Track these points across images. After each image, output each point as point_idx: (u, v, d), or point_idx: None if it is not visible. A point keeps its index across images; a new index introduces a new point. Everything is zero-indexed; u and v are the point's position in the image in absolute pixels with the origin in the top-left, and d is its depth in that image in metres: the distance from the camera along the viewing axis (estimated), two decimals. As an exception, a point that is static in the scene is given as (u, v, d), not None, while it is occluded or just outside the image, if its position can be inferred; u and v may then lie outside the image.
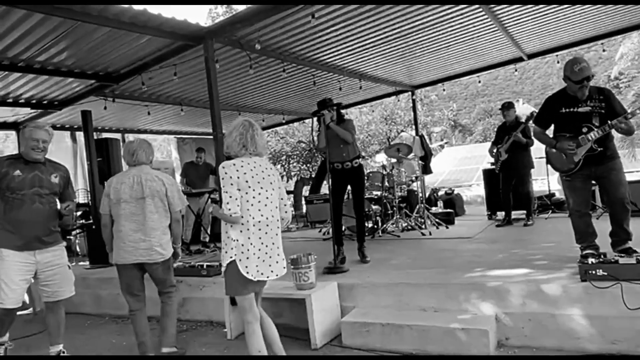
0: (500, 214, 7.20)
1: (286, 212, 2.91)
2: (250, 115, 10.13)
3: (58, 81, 6.28)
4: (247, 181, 2.66)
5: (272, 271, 2.72)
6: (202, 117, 9.30)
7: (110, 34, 4.91)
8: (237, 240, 2.62)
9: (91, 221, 6.68)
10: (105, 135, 9.15)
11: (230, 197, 2.61)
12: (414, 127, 10.57)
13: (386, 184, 7.21)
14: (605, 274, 3.10)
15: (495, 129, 7.21)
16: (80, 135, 9.07)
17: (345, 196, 7.37)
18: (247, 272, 2.60)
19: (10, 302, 3.23)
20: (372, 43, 6.50)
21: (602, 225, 3.91)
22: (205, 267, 4.85)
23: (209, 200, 7.81)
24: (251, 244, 2.63)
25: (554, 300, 3.18)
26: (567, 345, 3.09)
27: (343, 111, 5.20)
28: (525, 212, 6.74)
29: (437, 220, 7.22)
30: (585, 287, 3.11)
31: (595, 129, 3.57)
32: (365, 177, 7.32)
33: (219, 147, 5.05)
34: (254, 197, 2.67)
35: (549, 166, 8.08)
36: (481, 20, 6.11)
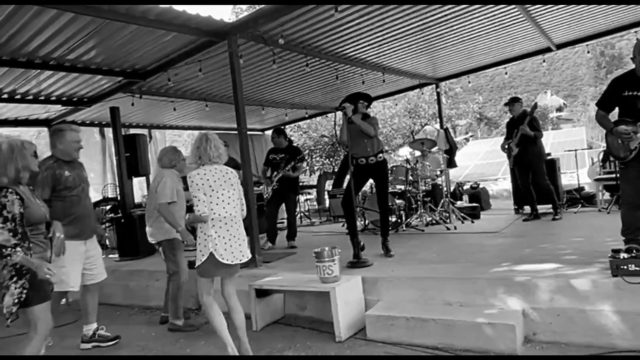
0: (528, 208, 7.06)
1: (243, 210, 3.41)
2: (274, 110, 10.20)
3: (87, 79, 6.43)
4: (210, 186, 3.20)
5: (243, 255, 3.27)
6: (227, 112, 9.39)
7: (137, 32, 5.00)
8: (211, 236, 3.15)
9: (120, 215, 6.85)
10: (132, 131, 9.33)
11: (199, 200, 3.16)
12: (438, 120, 10.44)
13: (410, 178, 7.16)
14: (638, 269, 3.02)
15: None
16: (108, 131, 9.28)
17: (370, 190, 7.40)
18: (223, 258, 3.15)
19: (77, 285, 3.80)
20: (395, 35, 6.43)
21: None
22: (230, 260, 4.92)
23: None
24: (219, 235, 3.17)
25: (584, 295, 3.11)
26: (597, 342, 3.02)
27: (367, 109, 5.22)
28: (551, 206, 6.58)
29: (462, 214, 7.14)
30: (617, 282, 3.04)
31: None
32: (389, 171, 7.30)
33: (243, 142, 5.10)
34: (217, 198, 3.21)
35: (578, 159, 7.97)
36: (508, 10, 5.97)
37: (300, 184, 10.99)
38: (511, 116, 6.83)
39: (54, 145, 3.81)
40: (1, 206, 2.61)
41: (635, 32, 7.37)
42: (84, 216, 3.80)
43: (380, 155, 4.93)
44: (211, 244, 3.13)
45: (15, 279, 2.63)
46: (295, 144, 7.04)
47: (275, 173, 6.49)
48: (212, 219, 3.17)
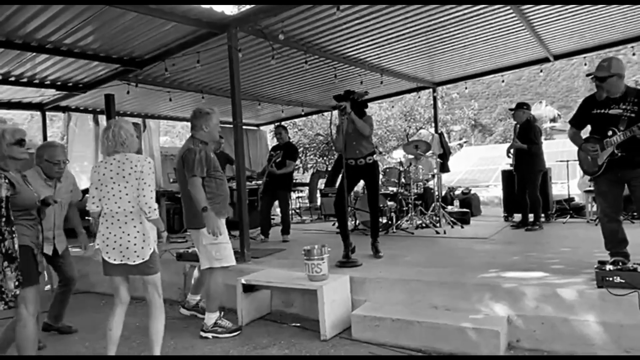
0: (518, 216, 7.09)
1: (146, 203, 2.97)
2: (270, 106, 10.18)
3: (83, 64, 6.37)
4: (99, 179, 3.04)
5: (132, 256, 2.96)
6: (222, 105, 9.32)
7: (136, 20, 4.96)
8: (100, 231, 3.03)
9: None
10: (126, 119, 9.25)
11: (89, 194, 3.09)
12: (433, 124, 10.48)
13: (402, 180, 7.17)
14: (623, 281, 3.05)
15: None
16: (102, 119, 9.19)
17: (361, 191, 7.41)
18: (110, 257, 2.98)
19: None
20: (395, 38, 6.44)
21: (633, 232, 3.81)
22: (219, 253, 4.90)
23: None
24: (110, 232, 2.99)
25: (569, 305, 3.14)
26: (579, 351, 3.06)
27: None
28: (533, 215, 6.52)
29: (452, 219, 7.17)
30: (602, 293, 3.07)
31: (618, 133, 3.50)
32: (382, 173, 7.31)
33: (238, 136, 5.09)
34: (108, 192, 3.02)
35: (569, 170, 8.03)
36: (508, 18, 6.00)
37: (293, 181, 11.01)
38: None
39: (199, 127, 3.80)
40: None
41: (632, 47, 7.45)
42: (226, 197, 3.90)
43: (370, 157, 4.94)
44: (98, 240, 3.02)
45: (7, 263, 2.65)
46: (293, 142, 7.14)
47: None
48: (105, 214, 3.02)
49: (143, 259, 2.97)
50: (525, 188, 6.52)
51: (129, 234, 2.96)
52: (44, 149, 3.77)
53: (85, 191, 8.37)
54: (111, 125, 3.12)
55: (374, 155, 4.99)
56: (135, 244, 2.95)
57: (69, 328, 4.13)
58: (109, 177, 3.02)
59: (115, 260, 2.96)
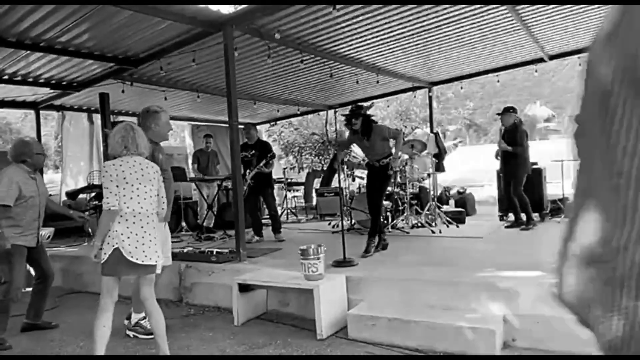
0: (512, 216, 7.11)
1: (163, 208, 3.21)
2: (266, 105, 10.16)
3: (78, 63, 6.34)
4: (124, 178, 2.96)
5: (158, 257, 3.03)
6: (218, 104, 9.33)
7: (131, 18, 4.94)
8: (117, 231, 2.91)
9: (105, 203, 6.77)
10: (121, 118, 9.21)
11: (110, 192, 2.92)
12: (429, 124, 10.50)
13: (398, 179, 7.18)
14: (618, 280, 3.06)
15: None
16: (97, 118, 9.16)
17: (357, 191, 7.42)
18: (132, 256, 2.89)
19: None
20: (391, 37, 6.45)
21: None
22: (215, 253, 4.90)
23: (218, 187, 7.90)
24: (131, 232, 2.92)
25: (564, 304, 3.15)
26: (575, 350, 3.05)
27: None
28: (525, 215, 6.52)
29: (447, 218, 7.18)
30: (597, 292, 3.07)
31: None
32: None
33: (234, 135, 5.07)
34: (132, 192, 2.98)
35: (564, 170, 8.05)
36: (504, 18, 6.02)
37: (289, 180, 11.00)
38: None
39: (149, 127, 3.67)
40: None
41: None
42: (170, 200, 3.72)
43: (383, 161, 5.05)
44: (117, 239, 2.87)
45: None
46: (264, 140, 7.07)
47: (248, 171, 6.45)
48: (126, 213, 2.93)
49: (161, 259, 3.08)
50: (510, 188, 6.55)
51: (150, 234, 2.99)
52: (31, 145, 3.89)
53: (81, 190, 8.27)
54: (128, 127, 3.08)
55: (386, 159, 5.06)
56: (155, 244, 3.02)
57: (49, 324, 4.11)
58: (134, 178, 2.99)
59: (138, 259, 2.89)
